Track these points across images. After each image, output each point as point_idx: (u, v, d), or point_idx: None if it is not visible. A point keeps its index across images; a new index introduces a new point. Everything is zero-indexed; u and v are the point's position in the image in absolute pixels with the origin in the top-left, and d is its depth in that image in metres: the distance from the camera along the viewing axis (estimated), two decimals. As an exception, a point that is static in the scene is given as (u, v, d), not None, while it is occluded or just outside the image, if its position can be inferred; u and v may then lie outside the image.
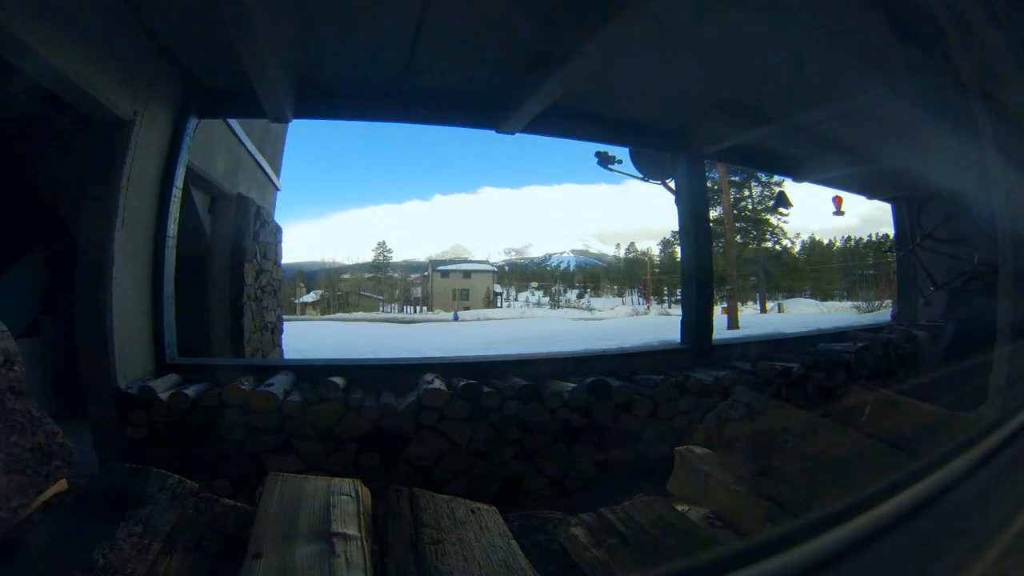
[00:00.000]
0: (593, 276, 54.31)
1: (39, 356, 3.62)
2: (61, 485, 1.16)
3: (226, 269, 4.95)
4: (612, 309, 38.65)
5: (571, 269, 57.75)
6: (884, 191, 6.20)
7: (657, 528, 1.27)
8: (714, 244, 4.88)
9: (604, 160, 6.02)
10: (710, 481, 1.46)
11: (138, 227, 2.84)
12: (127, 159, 2.67)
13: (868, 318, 18.48)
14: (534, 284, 52.99)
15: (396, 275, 49.12)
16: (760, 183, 30.37)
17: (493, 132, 3.71)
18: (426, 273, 48.34)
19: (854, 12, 2.50)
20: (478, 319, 30.44)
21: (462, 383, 2.93)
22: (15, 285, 3.65)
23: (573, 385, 3.14)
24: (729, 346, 4.40)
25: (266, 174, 6.05)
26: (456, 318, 31.28)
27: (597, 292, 50.39)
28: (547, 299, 49.22)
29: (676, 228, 5.24)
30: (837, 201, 7.57)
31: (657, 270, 44.86)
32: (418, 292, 47.84)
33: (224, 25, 2.23)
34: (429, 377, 3.03)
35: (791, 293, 36.47)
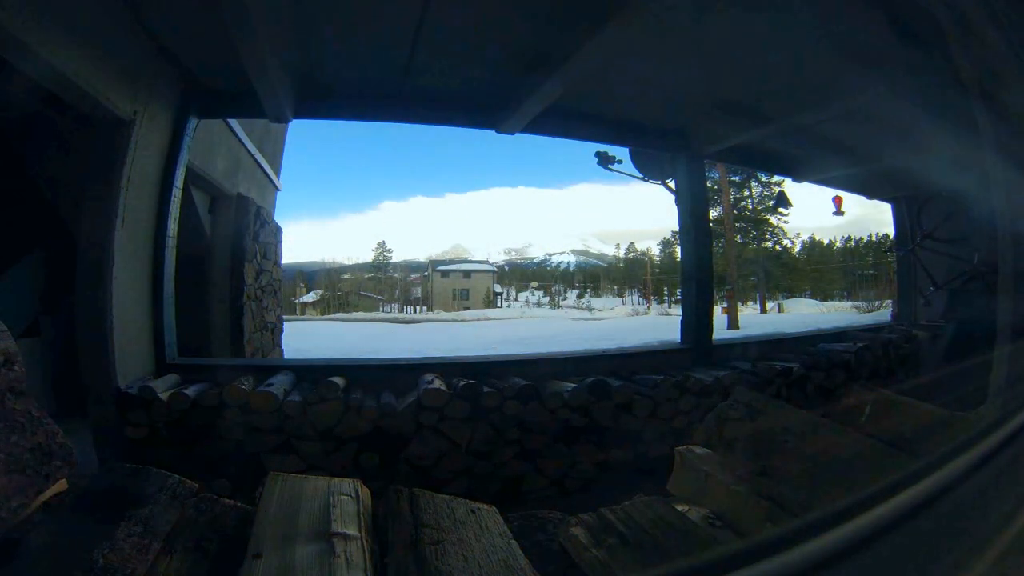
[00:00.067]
0: (593, 276, 54.30)
1: (39, 356, 3.62)
2: (61, 485, 1.16)
3: (226, 269, 4.95)
4: (612, 309, 38.63)
5: (571, 269, 57.75)
6: (884, 191, 6.20)
7: (657, 528, 1.27)
8: (714, 244, 4.88)
9: (604, 160, 6.03)
10: (710, 481, 1.46)
11: (138, 227, 2.84)
12: (127, 159, 2.67)
13: (868, 318, 18.47)
14: (534, 284, 52.98)
15: (396, 275, 49.12)
16: (760, 183, 30.37)
17: (493, 132, 3.71)
18: (426, 273, 48.33)
19: (854, 12, 2.50)
20: (478, 319, 30.43)
21: (462, 383, 2.93)
22: (15, 285, 3.65)
23: (573, 385, 3.14)
24: (729, 346, 4.40)
25: (266, 174, 6.05)
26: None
27: (597, 292, 50.39)
28: (547, 299, 49.21)
29: (676, 228, 5.24)
30: (837, 201, 7.59)
31: (657, 270, 44.85)
32: (418, 292, 47.84)
33: (224, 25, 2.23)
34: (429, 377, 3.03)
35: (791, 293, 36.46)
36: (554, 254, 63.89)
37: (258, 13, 2.15)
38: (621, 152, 5.82)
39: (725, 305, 21.72)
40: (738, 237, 30.25)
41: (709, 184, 16.11)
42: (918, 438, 1.40)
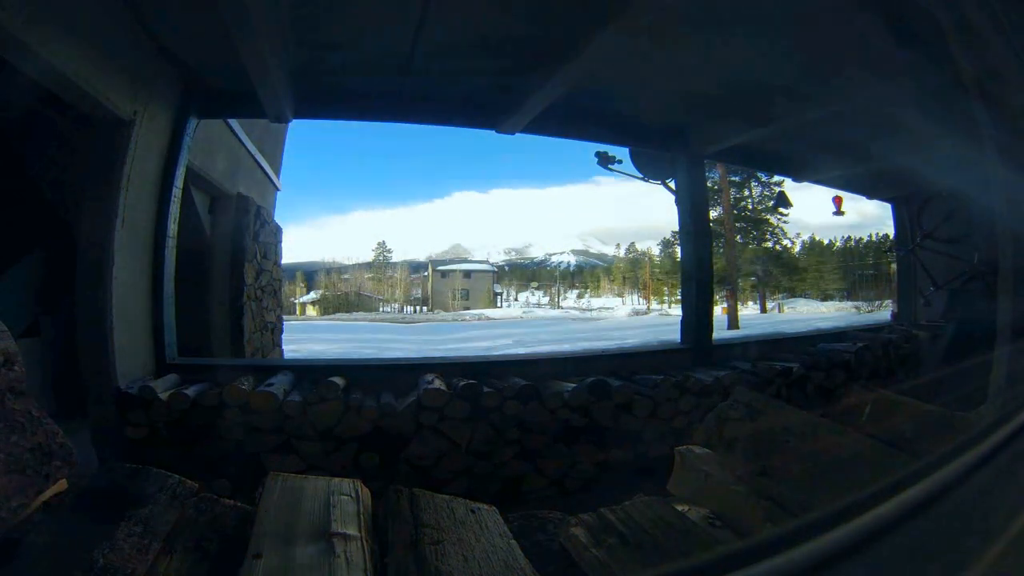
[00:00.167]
0: (593, 276, 54.32)
1: (39, 356, 3.62)
2: (61, 485, 1.16)
3: (226, 269, 4.95)
4: (612, 309, 38.65)
5: (571, 269, 57.78)
6: (884, 191, 6.20)
7: (657, 528, 1.27)
8: (714, 244, 4.88)
9: (604, 160, 6.04)
10: (710, 481, 1.46)
11: (138, 227, 2.84)
12: (127, 159, 2.67)
13: (868, 318, 18.49)
14: (534, 284, 53.01)
15: (396, 275, 49.14)
16: (760, 183, 30.35)
17: (493, 132, 3.71)
18: (426, 273, 48.35)
19: (854, 13, 2.50)
20: (477, 319, 30.42)
21: (462, 383, 2.93)
22: (15, 285, 3.65)
23: (573, 385, 3.14)
24: (729, 346, 4.40)
25: (266, 174, 6.05)
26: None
27: (597, 292, 50.41)
28: (547, 299, 49.24)
29: (676, 228, 5.25)
30: (837, 201, 7.58)
31: (657, 270, 44.85)
32: (418, 292, 47.85)
33: (224, 25, 2.23)
34: (429, 377, 3.03)
35: (791, 293, 36.49)
36: (554, 254, 63.95)
37: (258, 13, 2.15)
38: (621, 152, 5.83)
39: (725, 305, 21.75)
40: (738, 237, 30.24)
41: (709, 184, 16.13)
42: (918, 438, 1.40)
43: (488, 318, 31.44)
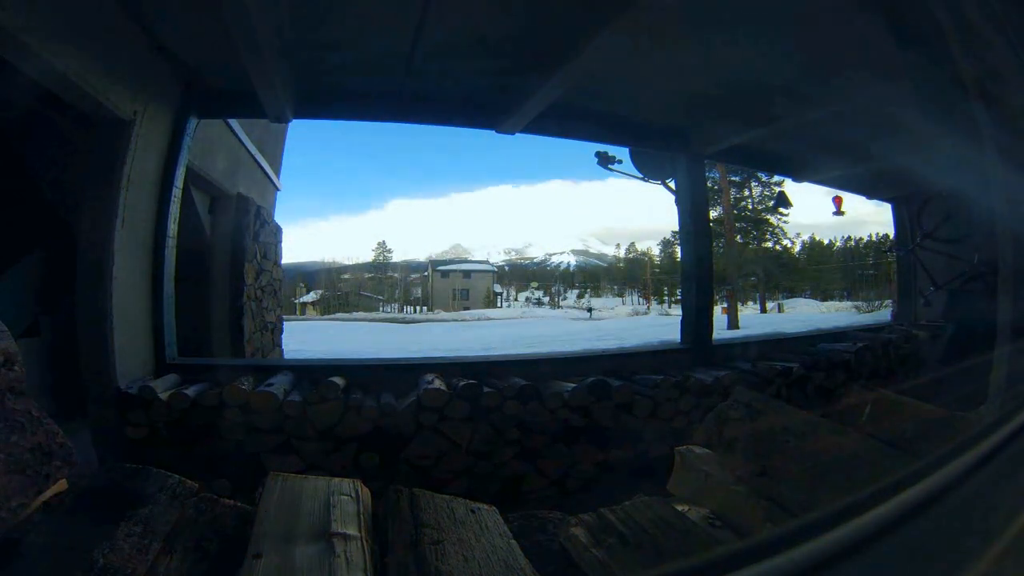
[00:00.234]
0: (593, 276, 54.34)
1: (39, 356, 3.62)
2: (61, 485, 1.17)
3: (226, 269, 4.95)
4: (612, 309, 38.66)
5: (571, 269, 57.78)
6: (884, 191, 6.20)
7: (657, 528, 1.27)
8: (714, 244, 4.88)
9: (604, 160, 6.04)
10: (710, 481, 1.46)
11: (138, 227, 2.84)
12: (127, 159, 2.67)
13: (868, 318, 18.49)
14: (534, 284, 53.01)
15: (396, 275, 49.15)
16: (760, 183, 30.39)
17: (493, 132, 3.71)
18: (426, 273, 48.35)
19: (855, 13, 2.50)
20: (477, 319, 30.43)
21: (462, 383, 2.93)
22: (15, 285, 3.64)
23: (573, 385, 3.14)
24: (729, 346, 4.40)
25: (266, 174, 6.05)
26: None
27: (597, 292, 50.41)
28: (547, 299, 49.23)
29: (676, 228, 5.25)
30: (837, 201, 7.59)
31: (657, 270, 44.87)
32: (418, 292, 47.86)
33: (224, 25, 2.23)
34: (429, 377, 3.03)
35: (791, 293, 36.50)
36: (554, 254, 63.96)
37: (258, 13, 2.15)
38: (621, 152, 5.83)
39: (725, 305, 21.76)
40: (738, 237, 30.28)
41: (709, 184, 16.12)
42: (918, 438, 1.40)
43: (488, 318, 31.44)
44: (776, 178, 21.98)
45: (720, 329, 8.40)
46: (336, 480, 1.40)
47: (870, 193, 6.31)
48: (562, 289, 51.97)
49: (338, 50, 2.92)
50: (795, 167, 5.31)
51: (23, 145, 3.72)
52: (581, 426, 3.08)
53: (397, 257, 51.88)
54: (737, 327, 18.74)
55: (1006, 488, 0.80)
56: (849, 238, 40.67)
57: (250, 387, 2.78)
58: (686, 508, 1.39)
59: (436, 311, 40.50)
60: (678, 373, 3.48)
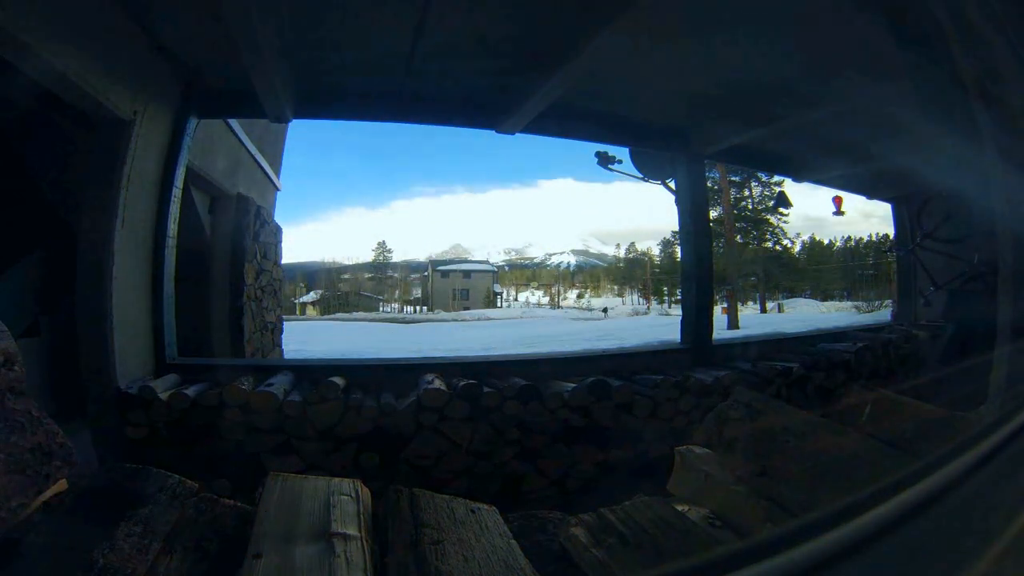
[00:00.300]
0: (593, 276, 54.35)
1: (39, 356, 3.62)
2: (61, 485, 1.16)
3: (226, 269, 4.95)
4: (612, 309, 38.64)
5: (571, 269, 57.80)
6: (884, 191, 6.20)
7: (657, 528, 1.27)
8: (714, 244, 4.88)
9: (604, 160, 6.05)
10: (710, 481, 1.46)
11: (138, 227, 2.84)
12: (127, 159, 2.67)
13: (868, 318, 18.49)
14: (534, 284, 53.06)
15: (396, 275, 49.15)
16: (760, 183, 30.40)
17: (493, 132, 3.71)
18: (426, 273, 48.35)
19: (855, 13, 2.50)
20: (477, 319, 30.43)
21: (462, 383, 2.93)
22: (15, 285, 3.64)
23: (573, 385, 3.14)
24: (729, 346, 4.40)
25: (266, 174, 6.05)
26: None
27: (597, 292, 50.42)
28: (547, 299, 49.25)
29: (676, 228, 5.25)
30: (837, 201, 7.59)
31: (657, 270, 44.86)
32: (418, 292, 47.86)
33: (224, 25, 2.23)
34: (429, 377, 3.03)
35: (791, 293, 36.47)
36: (554, 254, 64.02)
37: (258, 13, 2.15)
38: (621, 152, 5.84)
39: (725, 305, 21.75)
40: (738, 237, 30.28)
41: (709, 184, 16.13)
42: (918, 438, 1.40)
43: (488, 318, 31.43)
44: (776, 178, 22.02)
45: (720, 329, 8.41)
46: (336, 480, 1.40)
47: (870, 193, 6.31)
48: (562, 289, 51.97)
49: (338, 50, 2.92)
50: (795, 167, 5.31)
51: (23, 145, 3.72)
52: (581, 426, 3.08)
53: (397, 257, 51.98)
54: (737, 327, 18.74)
55: (1006, 488, 0.80)
56: (849, 238, 40.72)
57: (250, 387, 2.78)
58: (686, 508, 1.39)
59: (436, 311, 40.49)
60: (678, 373, 3.48)
